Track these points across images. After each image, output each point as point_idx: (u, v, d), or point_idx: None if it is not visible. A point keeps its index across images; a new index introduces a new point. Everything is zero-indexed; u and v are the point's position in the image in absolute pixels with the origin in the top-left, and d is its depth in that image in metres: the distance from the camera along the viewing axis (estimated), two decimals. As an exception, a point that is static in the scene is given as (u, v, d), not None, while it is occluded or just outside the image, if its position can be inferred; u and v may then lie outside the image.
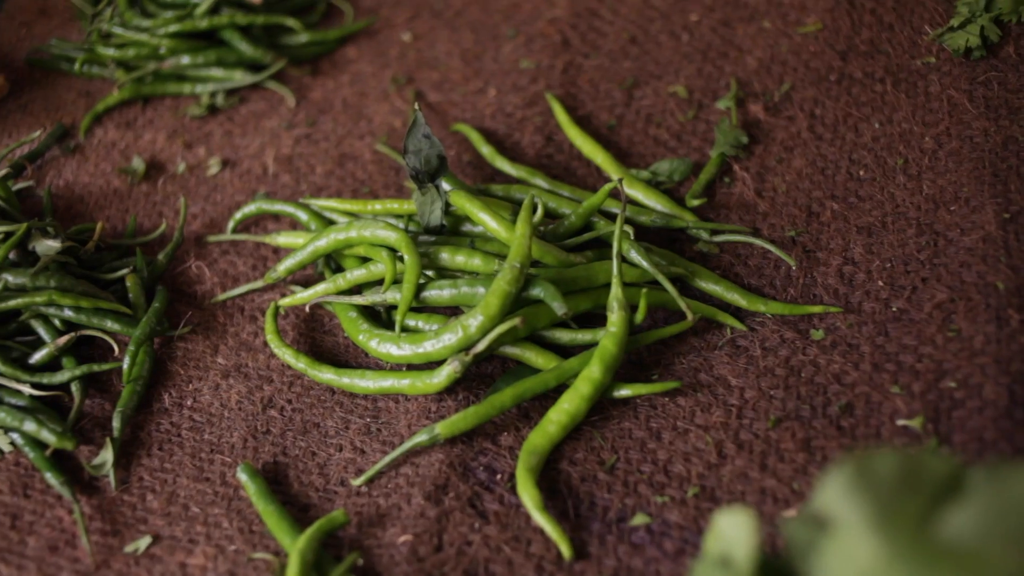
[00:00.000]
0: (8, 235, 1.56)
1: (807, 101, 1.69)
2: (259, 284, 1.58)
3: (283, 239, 1.60)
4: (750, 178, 1.60)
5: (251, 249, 1.66)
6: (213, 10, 1.91)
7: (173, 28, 1.89)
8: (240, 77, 1.88)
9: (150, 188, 1.78)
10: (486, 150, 1.68)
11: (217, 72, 1.89)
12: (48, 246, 1.57)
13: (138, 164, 1.81)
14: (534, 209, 1.46)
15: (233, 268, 1.64)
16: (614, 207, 1.55)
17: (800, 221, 1.54)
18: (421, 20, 1.96)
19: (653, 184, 1.62)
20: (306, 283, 1.59)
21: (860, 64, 1.71)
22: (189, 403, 1.49)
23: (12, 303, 1.52)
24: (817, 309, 1.42)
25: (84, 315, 1.54)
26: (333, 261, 1.58)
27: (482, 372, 1.44)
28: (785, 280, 1.47)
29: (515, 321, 1.34)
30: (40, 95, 1.98)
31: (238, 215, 1.67)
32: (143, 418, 1.48)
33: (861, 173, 1.57)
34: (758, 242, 1.51)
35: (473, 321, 1.35)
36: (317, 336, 1.54)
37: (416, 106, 1.51)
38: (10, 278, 1.53)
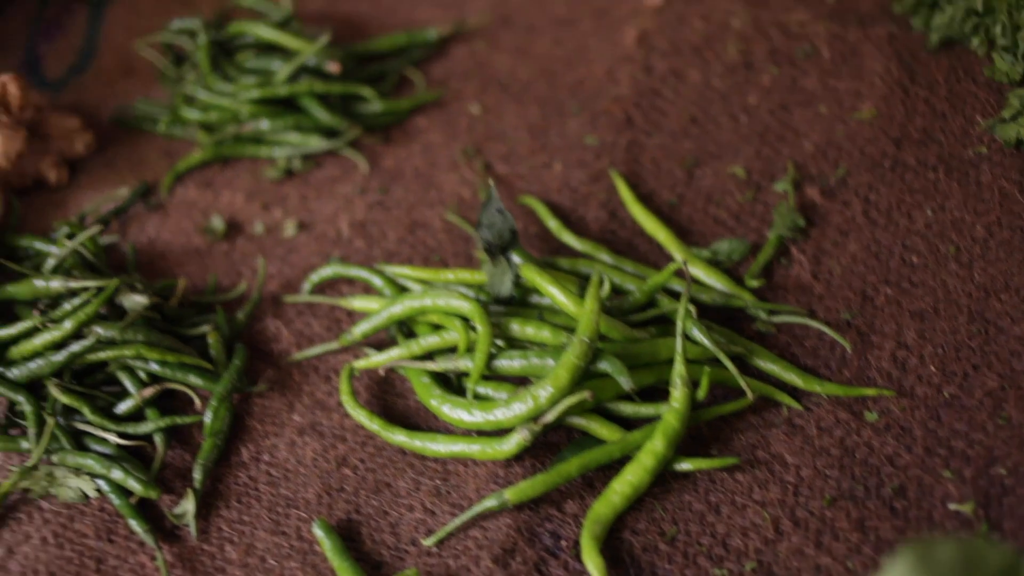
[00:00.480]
0: (100, 290, 1.65)
1: (862, 186, 1.76)
2: (334, 346, 1.66)
3: (358, 303, 1.68)
4: (806, 260, 1.67)
5: (326, 311, 1.74)
6: (293, 78, 2.01)
7: (254, 94, 1.98)
8: (316, 143, 1.97)
9: (228, 247, 1.87)
10: (553, 224, 1.76)
11: (294, 137, 1.98)
12: (136, 301, 1.66)
13: (217, 223, 1.90)
14: (601, 284, 1.53)
15: (308, 328, 1.72)
16: (676, 284, 1.62)
17: (855, 304, 1.60)
18: (489, 93, 2.05)
19: (713, 263, 1.69)
20: (379, 346, 1.66)
21: (913, 151, 1.78)
22: (266, 458, 1.56)
23: (102, 355, 1.61)
24: (871, 392, 1.48)
25: (169, 369, 1.62)
26: (405, 325, 1.65)
27: (547, 440, 1.51)
28: (840, 362, 1.54)
29: (585, 395, 1.41)
30: (124, 152, 2.08)
31: (314, 277, 1.75)
32: (222, 470, 1.55)
33: (914, 259, 1.63)
34: (814, 324, 1.57)
35: (543, 392, 1.42)
36: (389, 398, 1.61)
37: (491, 182, 1.59)
38: (100, 331, 1.62)
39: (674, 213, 1.79)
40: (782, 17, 2.06)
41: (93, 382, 1.65)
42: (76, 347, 1.60)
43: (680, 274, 1.63)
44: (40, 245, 1.85)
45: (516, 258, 1.60)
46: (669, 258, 1.72)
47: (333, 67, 2.00)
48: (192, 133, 2.06)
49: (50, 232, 1.90)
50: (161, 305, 1.71)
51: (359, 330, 1.63)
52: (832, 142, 1.83)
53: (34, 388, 1.64)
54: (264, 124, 1.99)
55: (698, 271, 1.65)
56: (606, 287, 1.54)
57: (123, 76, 2.25)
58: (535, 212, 1.82)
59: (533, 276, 1.55)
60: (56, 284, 1.68)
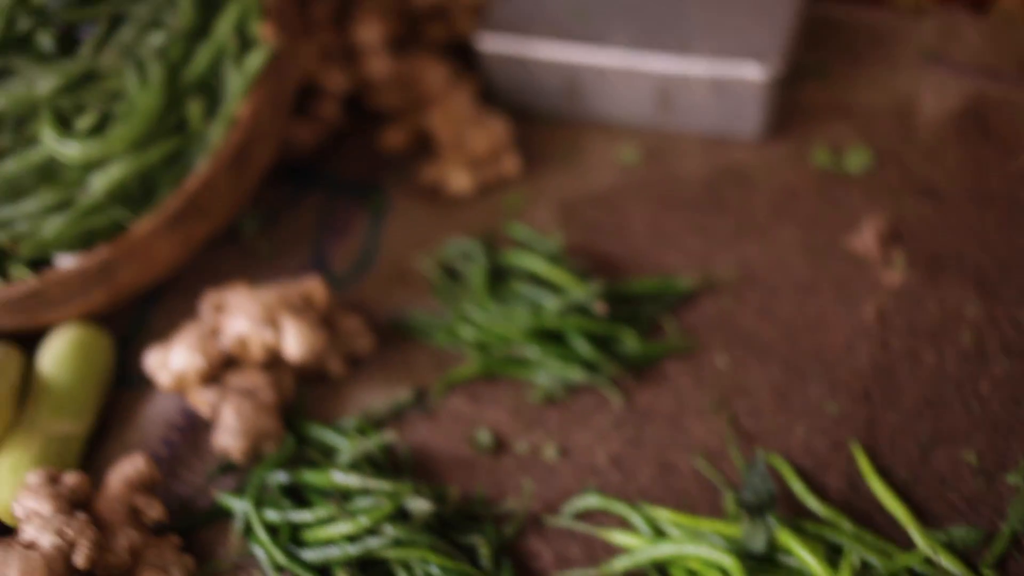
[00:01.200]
0: (393, 494, 1.87)
1: (1091, 490, 1.88)
2: (593, 574, 1.84)
3: (619, 538, 1.86)
4: (1039, 557, 1.80)
5: (584, 537, 1.92)
6: (562, 313, 2.25)
7: (527, 323, 2.23)
8: (577, 374, 2.19)
9: (493, 461, 2.09)
10: (797, 487, 1.93)
11: (557, 365, 2.21)
12: (421, 507, 1.87)
13: (484, 437, 2.12)
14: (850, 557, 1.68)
15: (566, 551, 1.90)
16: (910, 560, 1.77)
17: (1086, 608, 1.71)
18: (735, 348, 2.25)
19: (948, 546, 1.83)
20: (633, 580, 1.84)
21: None
22: (530, 671, 1.73)
23: (392, 554, 1.82)
24: None
25: (445, 573, 1.82)
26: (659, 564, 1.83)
27: None
28: (1073, 664, 1.65)
29: (842, 667, 1.55)
30: (398, 356, 2.33)
31: (577, 503, 1.95)
32: (487, 676, 1.73)
33: None
34: (1047, 623, 1.69)
35: (799, 656, 1.57)
36: (643, 632, 1.78)
37: (760, 453, 1.78)
38: (391, 530, 1.83)
39: (908, 490, 1.94)
40: (1014, 311, 2.22)
41: (373, 573, 1.86)
42: (373, 543, 1.82)
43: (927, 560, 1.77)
44: (330, 436, 2.10)
45: (771, 520, 1.77)
46: (905, 533, 1.86)
47: (601, 309, 2.23)
48: (461, 346, 2.31)
49: (331, 420, 2.15)
50: (439, 510, 1.92)
51: (620, 564, 1.81)
52: (1061, 442, 1.97)
53: (322, 571, 1.86)
54: (531, 351, 2.22)
55: (937, 556, 1.79)
56: (856, 561, 1.69)
57: (397, 281, 2.53)
58: (779, 471, 1.99)
59: (790, 542, 1.71)
60: (354, 481, 1.91)
